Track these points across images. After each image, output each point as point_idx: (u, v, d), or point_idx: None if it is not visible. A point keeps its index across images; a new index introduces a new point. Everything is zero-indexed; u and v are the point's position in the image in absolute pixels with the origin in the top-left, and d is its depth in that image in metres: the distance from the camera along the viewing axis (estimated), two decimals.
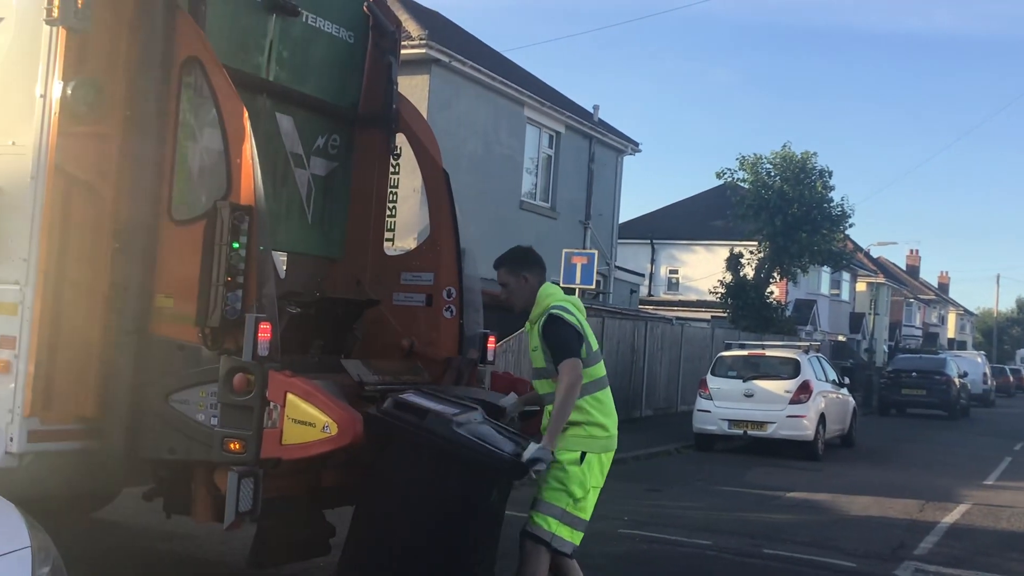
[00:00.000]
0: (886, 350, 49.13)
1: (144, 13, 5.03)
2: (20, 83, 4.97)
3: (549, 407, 4.97)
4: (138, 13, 5.04)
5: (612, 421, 5.06)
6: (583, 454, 4.90)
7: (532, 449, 4.77)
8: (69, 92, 4.84)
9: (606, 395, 5.07)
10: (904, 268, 68.95)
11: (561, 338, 4.91)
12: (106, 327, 5.02)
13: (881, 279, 53.30)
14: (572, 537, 4.94)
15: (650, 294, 37.90)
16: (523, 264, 5.20)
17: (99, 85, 4.94)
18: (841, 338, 43.64)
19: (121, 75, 5.05)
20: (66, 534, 6.14)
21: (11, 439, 4.79)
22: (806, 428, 15.90)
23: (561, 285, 17.47)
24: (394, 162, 6.85)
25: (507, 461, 4.80)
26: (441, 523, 4.83)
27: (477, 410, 5.15)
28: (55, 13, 4.75)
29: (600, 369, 5.08)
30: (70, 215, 4.92)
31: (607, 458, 5.04)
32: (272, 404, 4.61)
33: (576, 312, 5.08)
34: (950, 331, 76.81)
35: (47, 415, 4.86)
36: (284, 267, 7.10)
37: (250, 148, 4.83)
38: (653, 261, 39.89)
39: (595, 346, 5.13)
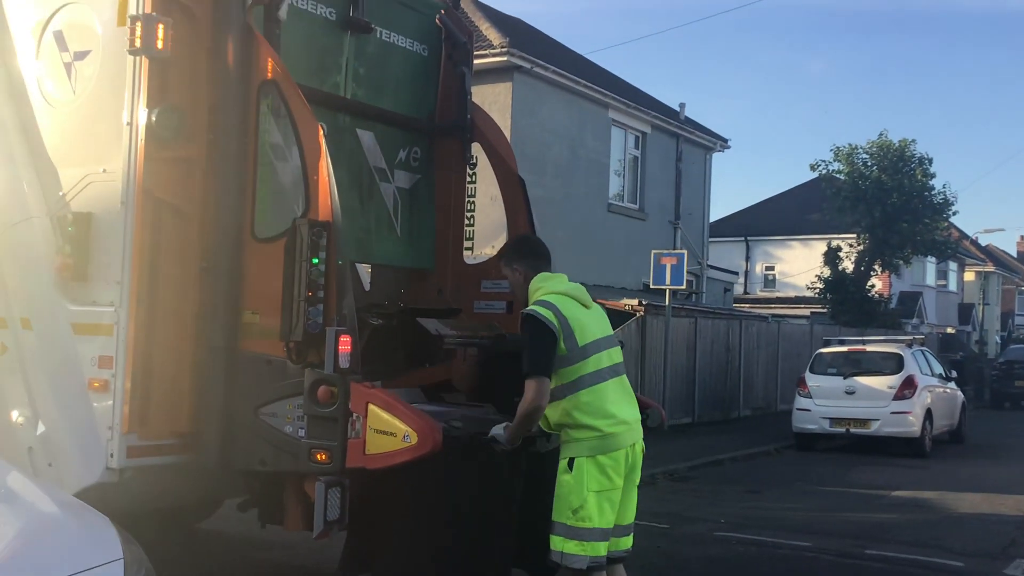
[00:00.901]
0: (998, 341, 47.29)
1: (221, 39, 5.19)
2: (108, 112, 5.19)
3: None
4: (216, 39, 5.20)
5: (605, 420, 4.60)
6: (571, 460, 4.58)
7: (496, 427, 4.71)
8: (154, 119, 5.02)
9: (595, 392, 4.62)
10: (1015, 255, 66.17)
11: (530, 346, 4.56)
12: (197, 344, 5.18)
13: (990, 267, 51.31)
14: (583, 550, 4.50)
15: (746, 292, 37.26)
16: (514, 255, 4.95)
17: (182, 111, 5.12)
18: (950, 330, 42.17)
19: (202, 100, 5.21)
20: (172, 544, 6.39)
21: (111, 455, 4.99)
22: (912, 424, 15.41)
23: (651, 286, 17.36)
24: (470, 171, 6.92)
25: (454, 437, 4.86)
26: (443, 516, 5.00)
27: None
28: (137, 43, 4.94)
29: (588, 366, 4.63)
30: (159, 238, 5.11)
31: (607, 459, 4.58)
32: (355, 415, 4.70)
33: (563, 306, 4.65)
34: None
35: (144, 431, 5.05)
36: (369, 279, 7.23)
37: (326, 166, 4.94)
38: (748, 259, 39.20)
39: (589, 338, 4.67)
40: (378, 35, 6.34)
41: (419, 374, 6.33)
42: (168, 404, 5.13)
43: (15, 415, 5.44)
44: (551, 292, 4.74)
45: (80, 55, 5.41)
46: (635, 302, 17.02)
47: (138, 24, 4.93)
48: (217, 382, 5.14)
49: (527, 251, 4.99)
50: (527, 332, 4.60)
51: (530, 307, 4.68)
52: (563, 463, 4.60)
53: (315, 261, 4.83)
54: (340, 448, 4.72)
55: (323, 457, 4.75)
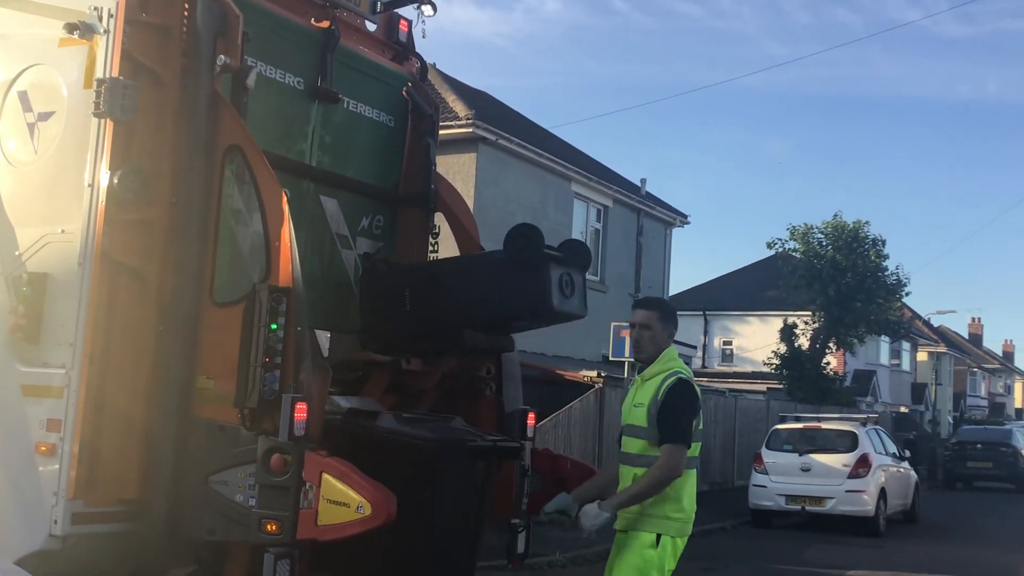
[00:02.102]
0: (950, 421, 47.85)
1: (188, 104, 5.20)
2: (70, 172, 5.16)
3: (636, 470, 4.63)
4: (182, 104, 5.22)
5: (692, 503, 4.76)
6: (659, 536, 4.62)
7: (591, 512, 4.59)
8: (116, 181, 5.00)
9: (692, 476, 4.79)
10: (966, 337, 67.37)
11: (680, 413, 4.60)
12: (149, 408, 5.09)
13: (943, 348, 52.16)
14: None
15: (704, 366, 37.48)
16: (669, 316, 4.95)
17: (145, 173, 5.11)
18: (903, 409, 42.59)
19: (166, 163, 5.21)
20: None
21: (55, 521, 4.85)
22: (866, 503, 15.47)
23: (610, 358, 17.39)
24: (433, 240, 6.94)
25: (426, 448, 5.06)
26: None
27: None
28: (103, 106, 4.94)
29: (695, 449, 4.81)
30: (116, 300, 5.05)
31: (681, 543, 4.73)
32: (308, 484, 4.62)
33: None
34: (1017, 401, 74.58)
35: (90, 497, 4.92)
36: (328, 345, 7.17)
37: (288, 232, 4.94)
38: (706, 333, 39.56)
39: (701, 424, 4.94)
40: (345, 105, 6.40)
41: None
42: (116, 470, 5.02)
43: None
44: (687, 371, 4.80)
45: (44, 116, 5.40)
46: (594, 374, 17.04)
47: (104, 87, 4.94)
48: (168, 448, 5.04)
49: (675, 320, 5.03)
50: (678, 396, 4.60)
51: (683, 376, 4.68)
52: (647, 536, 4.60)
53: (273, 327, 4.80)
54: (291, 519, 4.62)
55: (273, 528, 4.65)
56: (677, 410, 4.60)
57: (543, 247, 5.70)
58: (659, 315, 4.95)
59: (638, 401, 4.78)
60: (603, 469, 5.94)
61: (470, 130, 17.55)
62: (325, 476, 4.59)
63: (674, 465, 4.54)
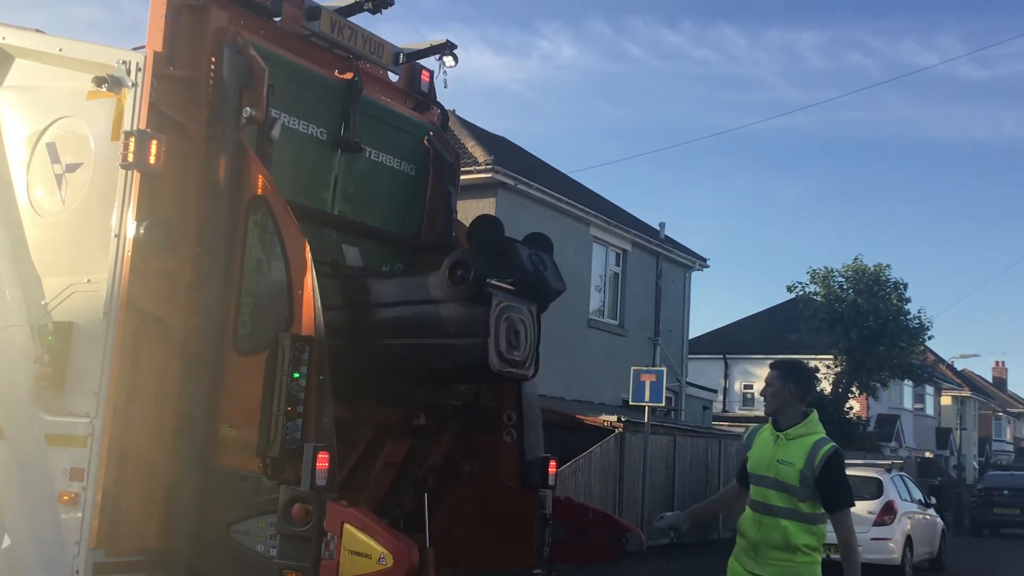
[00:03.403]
0: (976, 467, 47.16)
1: (213, 155, 5.29)
2: (96, 222, 5.24)
3: (783, 521, 4.91)
4: (208, 155, 5.30)
5: None
6: None
7: None
8: (142, 231, 5.07)
9: None
10: (991, 380, 66.56)
11: (845, 482, 5.00)
12: (171, 457, 5.11)
13: (967, 392, 51.55)
14: None
15: (725, 410, 37.16)
16: (795, 378, 5.21)
17: (170, 224, 5.17)
18: (928, 454, 42.04)
19: (191, 214, 5.28)
20: None
21: (77, 571, 4.86)
22: (892, 551, 15.20)
23: (630, 403, 17.31)
24: None
25: None
26: None
27: None
28: (130, 158, 5.02)
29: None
30: (140, 349, 5.09)
31: None
32: (329, 535, 4.60)
33: None
34: None
35: (112, 546, 4.93)
36: None
37: (311, 281, 4.97)
38: (727, 376, 39.29)
39: None
40: (368, 155, 6.47)
41: None
42: (138, 519, 5.03)
43: None
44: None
45: (72, 167, 5.49)
46: (614, 418, 16.94)
47: (132, 139, 5.02)
48: (189, 497, 5.05)
49: (807, 379, 5.30)
50: (840, 469, 4.97)
51: (837, 448, 4.99)
52: None
53: (296, 376, 4.81)
54: (312, 569, 4.60)
55: None
56: (843, 482, 4.99)
57: (503, 232, 5.97)
58: (780, 374, 5.23)
59: (786, 459, 4.98)
60: (719, 496, 6.49)
61: (489, 175, 17.66)
62: (347, 526, 4.57)
63: (852, 527, 4.92)
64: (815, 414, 5.19)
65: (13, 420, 5.35)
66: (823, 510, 4.88)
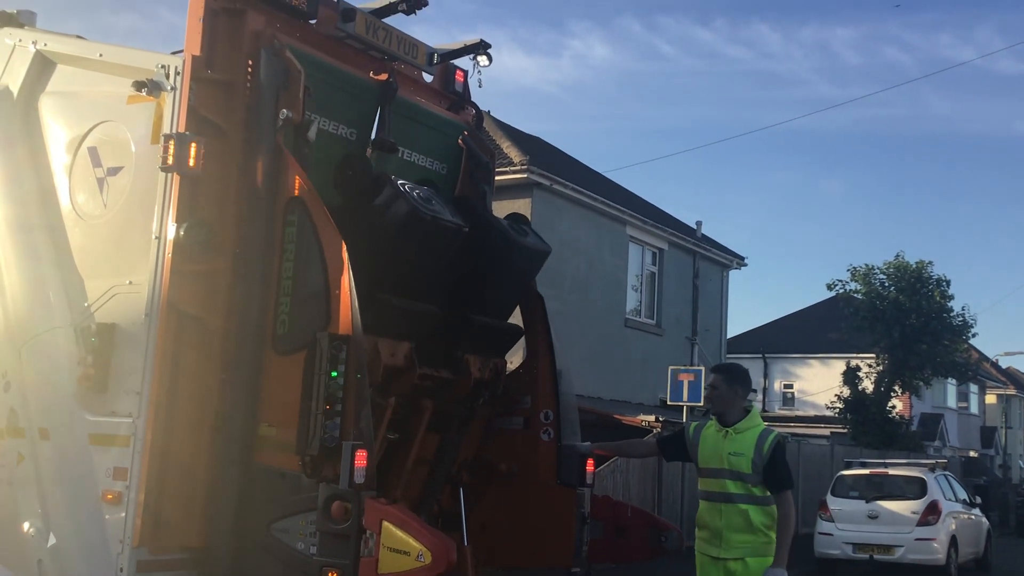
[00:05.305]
0: (1022, 466, 46.35)
1: (251, 157, 5.33)
2: (137, 225, 5.31)
3: (742, 505, 5.46)
4: (246, 157, 5.34)
5: None
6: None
7: (777, 574, 5.36)
8: (182, 233, 5.12)
9: None
10: None
11: (787, 467, 5.69)
12: (212, 456, 5.16)
13: (1012, 390, 50.71)
14: None
15: (764, 409, 36.82)
16: (739, 380, 5.85)
17: (210, 226, 5.22)
18: (972, 454, 41.38)
19: (230, 215, 5.33)
20: None
21: (120, 569, 4.92)
22: (937, 552, 14.99)
23: (668, 402, 17.23)
24: None
25: None
26: None
27: None
28: (170, 161, 5.08)
29: None
30: (181, 349, 5.15)
31: None
32: (368, 532, 4.63)
33: None
34: None
35: (155, 545, 4.98)
36: None
37: (348, 280, 4.99)
38: (766, 376, 38.94)
39: None
40: (402, 155, 6.50)
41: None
42: (180, 518, 5.08)
43: (27, 526, 5.40)
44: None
45: (113, 171, 5.57)
46: (652, 418, 16.86)
47: (171, 143, 5.08)
48: (230, 496, 5.10)
49: (747, 382, 5.94)
50: (784, 457, 5.64)
51: (780, 438, 5.65)
52: (766, 560, 5.41)
53: (334, 374, 4.84)
54: (352, 567, 4.63)
55: None
56: (786, 468, 5.65)
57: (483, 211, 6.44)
58: (728, 379, 5.80)
59: (736, 450, 5.56)
60: (635, 443, 7.57)
61: (525, 176, 17.66)
62: (385, 524, 4.60)
63: (792, 506, 5.55)
64: (756, 408, 5.92)
65: (57, 421, 5.44)
66: (770, 492, 5.49)
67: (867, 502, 15.63)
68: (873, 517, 15.42)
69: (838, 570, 15.68)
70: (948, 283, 29.78)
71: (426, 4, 6.31)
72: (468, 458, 6.51)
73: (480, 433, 6.55)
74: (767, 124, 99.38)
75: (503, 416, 6.62)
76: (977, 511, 17.28)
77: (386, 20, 6.32)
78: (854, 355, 31.62)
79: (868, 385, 29.93)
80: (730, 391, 5.75)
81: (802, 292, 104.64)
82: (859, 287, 30.18)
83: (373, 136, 6.22)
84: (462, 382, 6.24)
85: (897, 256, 30.20)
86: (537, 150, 20.21)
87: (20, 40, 6.11)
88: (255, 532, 5.00)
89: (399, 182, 5.79)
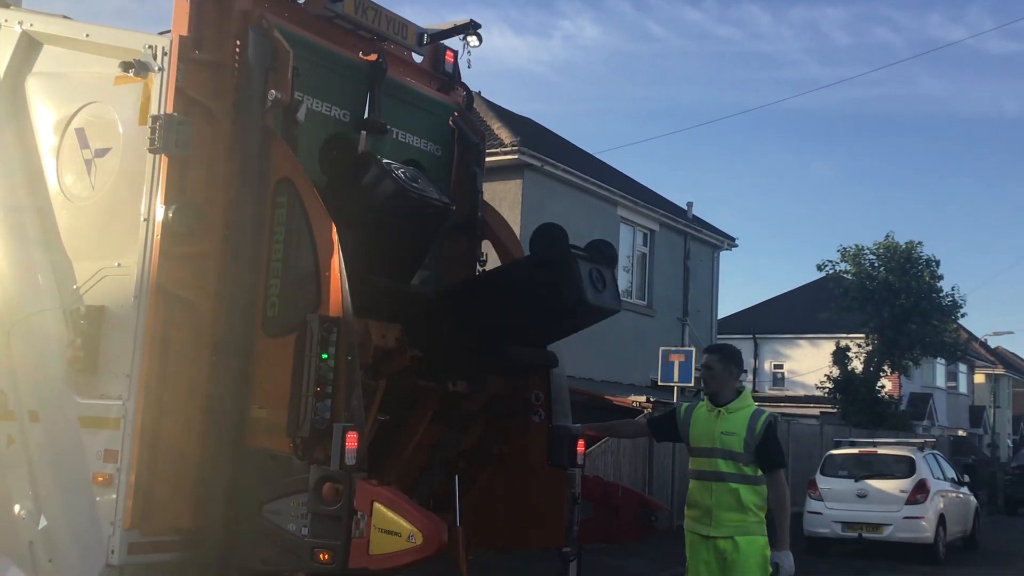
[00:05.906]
0: (1010, 445, 46.70)
1: (240, 139, 5.30)
2: (125, 208, 5.28)
3: (732, 484, 5.53)
4: (234, 139, 5.31)
5: None
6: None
7: (783, 558, 5.49)
8: (171, 215, 5.10)
9: None
10: None
11: (780, 446, 5.79)
12: (203, 438, 5.16)
13: (1001, 370, 50.99)
14: None
15: (755, 390, 36.96)
16: (733, 360, 5.90)
17: (198, 207, 5.20)
18: (961, 433, 41.67)
19: (219, 197, 5.30)
20: None
21: (112, 551, 4.93)
22: (925, 530, 15.11)
23: (659, 383, 17.27)
24: (480, 268, 6.96)
25: None
26: None
27: None
28: (158, 142, 5.05)
29: None
30: (170, 332, 5.13)
31: None
32: (359, 513, 4.64)
33: None
34: None
35: (146, 527, 4.99)
36: None
37: (338, 262, 4.98)
38: (756, 356, 39.06)
39: None
40: (393, 135, 6.47)
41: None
42: (171, 499, 5.08)
43: (17, 508, 5.40)
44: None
45: (101, 152, 5.54)
46: (643, 399, 16.91)
47: (159, 124, 5.05)
48: (221, 478, 5.10)
49: (740, 362, 6.01)
50: (776, 436, 5.72)
51: (772, 418, 5.74)
52: (765, 539, 5.53)
53: (324, 356, 4.84)
54: (343, 548, 4.64)
55: (326, 557, 4.68)
56: (779, 446, 5.75)
57: (567, 244, 5.96)
58: (719, 358, 5.84)
59: (728, 430, 5.62)
60: (623, 424, 7.51)
61: (516, 157, 17.62)
62: (376, 505, 4.61)
63: (786, 483, 5.64)
64: (747, 389, 5.96)
65: (47, 403, 5.42)
66: (761, 472, 5.56)
67: (856, 481, 15.73)
68: (862, 496, 15.52)
69: (827, 549, 15.79)
70: (938, 263, 29.93)
71: None
72: (468, 448, 6.52)
73: (484, 426, 6.56)
74: (757, 105, 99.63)
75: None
76: (965, 490, 17.41)
77: (375, 0, 6.28)
78: (844, 335, 31.74)
79: (857, 365, 30.06)
80: (725, 371, 5.80)
81: (792, 273, 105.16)
82: (849, 268, 30.27)
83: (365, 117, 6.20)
84: (476, 396, 6.36)
85: (887, 236, 30.32)
86: (528, 131, 20.17)
87: (6, 20, 6.05)
88: (246, 513, 5.01)
89: (384, 161, 5.78)
